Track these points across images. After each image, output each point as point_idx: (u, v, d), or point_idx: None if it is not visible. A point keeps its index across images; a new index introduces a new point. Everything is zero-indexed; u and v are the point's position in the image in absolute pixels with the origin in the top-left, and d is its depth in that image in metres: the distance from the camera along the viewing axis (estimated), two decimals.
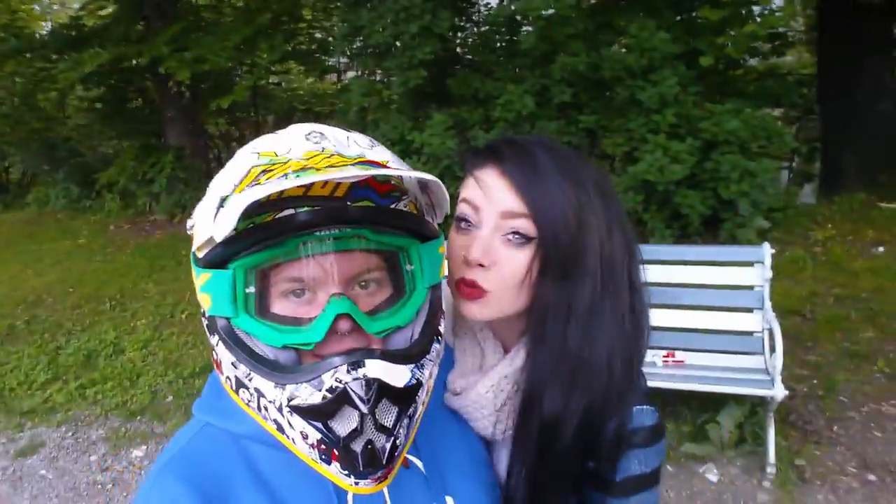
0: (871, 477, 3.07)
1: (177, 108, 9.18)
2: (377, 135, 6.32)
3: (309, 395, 0.63)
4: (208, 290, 0.68)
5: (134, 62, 8.56)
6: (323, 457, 0.66)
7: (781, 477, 3.08)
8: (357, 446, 0.64)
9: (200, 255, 0.69)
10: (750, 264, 3.43)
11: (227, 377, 0.71)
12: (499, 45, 6.87)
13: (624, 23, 5.75)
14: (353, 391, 0.62)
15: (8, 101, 10.49)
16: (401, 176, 0.69)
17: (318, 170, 0.64)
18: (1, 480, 3.62)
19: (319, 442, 0.65)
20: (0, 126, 10.07)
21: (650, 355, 0.93)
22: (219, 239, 0.63)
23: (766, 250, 3.37)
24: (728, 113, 5.23)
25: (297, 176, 0.62)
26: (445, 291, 0.95)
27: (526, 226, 0.83)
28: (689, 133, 5.26)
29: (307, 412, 0.64)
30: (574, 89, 5.81)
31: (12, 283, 6.62)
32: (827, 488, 3.04)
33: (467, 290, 0.85)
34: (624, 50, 5.87)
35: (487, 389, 0.90)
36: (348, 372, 0.63)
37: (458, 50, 7.32)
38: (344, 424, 0.63)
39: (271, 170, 0.66)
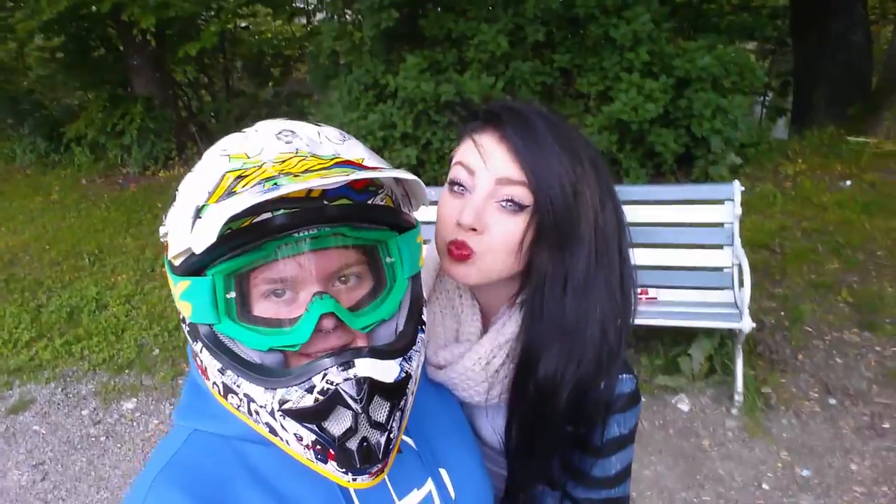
0: (832, 401, 3.26)
1: (142, 57, 8.86)
2: (350, 80, 6.22)
3: (300, 398, 0.63)
4: (188, 299, 0.66)
5: (94, 8, 8.22)
6: (319, 457, 0.66)
7: (749, 404, 3.25)
8: (353, 444, 0.64)
9: (177, 263, 0.67)
10: (720, 202, 3.52)
11: (214, 383, 0.69)
12: None
13: None
14: (344, 391, 0.63)
15: None
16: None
17: (296, 175, 0.62)
18: None
19: (315, 443, 0.65)
20: None
21: None
22: (198, 251, 0.61)
23: (736, 188, 3.44)
24: (701, 49, 5.22)
25: (277, 185, 0.60)
26: (432, 253, 0.96)
27: (521, 194, 0.84)
28: (663, 70, 5.25)
29: (300, 415, 0.64)
30: (548, 28, 5.74)
31: None
32: (791, 413, 3.21)
33: (456, 251, 0.86)
34: None
35: (474, 362, 0.91)
36: (338, 373, 0.62)
37: None
38: (338, 424, 0.64)
39: (246, 175, 0.64)
